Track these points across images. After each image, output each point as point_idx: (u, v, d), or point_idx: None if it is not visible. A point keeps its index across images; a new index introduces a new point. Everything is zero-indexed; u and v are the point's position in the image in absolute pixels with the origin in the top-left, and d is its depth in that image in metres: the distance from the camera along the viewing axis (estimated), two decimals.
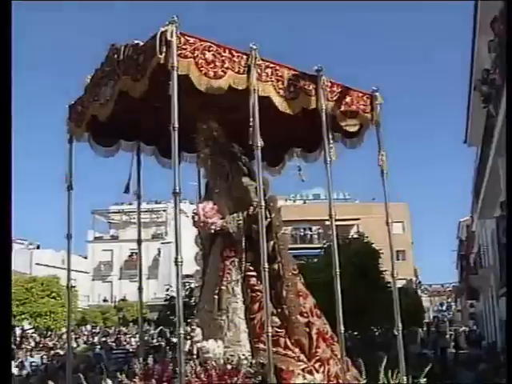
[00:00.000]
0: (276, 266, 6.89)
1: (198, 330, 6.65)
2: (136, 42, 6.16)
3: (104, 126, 7.15)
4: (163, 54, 5.65)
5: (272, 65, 6.49)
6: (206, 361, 6.14)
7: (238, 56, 6.19)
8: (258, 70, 6.26)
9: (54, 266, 50.23)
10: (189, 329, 6.44)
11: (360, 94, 7.34)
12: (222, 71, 6.06)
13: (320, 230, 55.12)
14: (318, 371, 6.48)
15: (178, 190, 5.57)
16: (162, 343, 23.26)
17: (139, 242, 8.41)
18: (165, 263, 54.57)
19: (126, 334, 35.24)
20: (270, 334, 5.78)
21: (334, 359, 6.70)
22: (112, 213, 69.14)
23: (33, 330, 34.88)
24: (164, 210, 63.42)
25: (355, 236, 28.04)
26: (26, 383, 14.43)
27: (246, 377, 5.96)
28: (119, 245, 64.47)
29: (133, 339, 31.45)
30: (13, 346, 23.73)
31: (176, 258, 5.60)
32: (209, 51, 6.01)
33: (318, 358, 6.60)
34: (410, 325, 32.30)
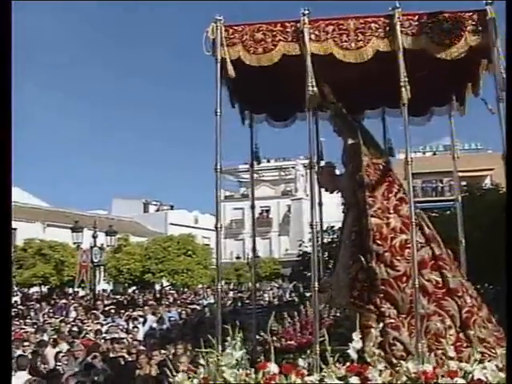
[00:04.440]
0: (364, 220, 6.85)
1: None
2: None
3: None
4: (210, 52, 6.62)
5: (334, 21, 6.59)
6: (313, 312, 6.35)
7: (292, 26, 6.60)
8: (316, 32, 6.52)
9: (187, 226, 51.81)
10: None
11: (463, 14, 6.49)
12: (273, 44, 6.61)
13: (451, 182, 53.53)
14: (411, 327, 6.28)
15: (219, 167, 6.39)
16: (296, 298, 23.53)
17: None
18: (296, 219, 54.79)
19: (259, 289, 35.93)
20: (316, 289, 6.04)
21: (439, 315, 6.44)
22: (241, 171, 70.19)
23: (170, 287, 36.24)
24: (293, 167, 63.56)
25: (489, 187, 26.98)
26: (167, 337, 15.03)
27: (330, 327, 6.31)
28: (250, 203, 65.18)
29: (265, 295, 32.02)
30: (153, 302, 24.83)
31: (216, 225, 6.40)
32: (258, 31, 6.67)
33: (414, 314, 6.36)
34: None
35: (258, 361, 6.05)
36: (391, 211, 6.97)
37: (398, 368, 5.60)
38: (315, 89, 6.26)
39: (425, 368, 5.47)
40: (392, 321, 6.40)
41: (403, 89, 6.18)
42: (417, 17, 6.48)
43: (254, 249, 9.03)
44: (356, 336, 5.67)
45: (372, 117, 8.57)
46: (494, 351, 6.08)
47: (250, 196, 9.27)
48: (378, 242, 6.77)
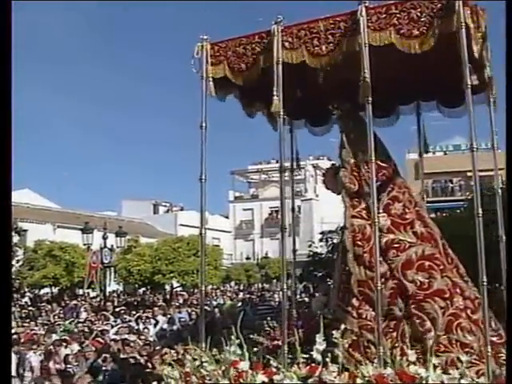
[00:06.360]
0: (345, 221, 6.93)
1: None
2: None
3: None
4: (199, 72, 6.80)
5: (305, 25, 6.45)
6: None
7: (267, 36, 6.54)
8: (290, 39, 6.43)
9: (197, 227, 51.82)
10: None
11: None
12: (253, 58, 6.64)
13: (461, 182, 53.35)
14: (392, 331, 6.24)
15: (204, 177, 6.80)
16: (306, 299, 23.51)
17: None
18: (306, 220, 54.72)
19: (268, 290, 35.87)
20: (285, 290, 6.21)
21: (418, 318, 6.28)
22: (251, 172, 70.20)
23: (181, 288, 36.23)
24: (302, 168, 63.41)
25: (500, 186, 26.88)
26: (178, 337, 15.03)
27: (318, 325, 6.19)
28: (259, 203, 65.51)
29: (276, 295, 31.99)
30: (162, 303, 24.83)
31: (200, 231, 7.07)
32: (240, 45, 6.73)
33: (392, 316, 6.33)
34: None
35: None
36: (380, 210, 6.76)
37: (357, 371, 5.53)
38: (276, 98, 6.27)
39: (381, 372, 5.40)
40: (368, 323, 6.33)
41: (361, 84, 5.98)
42: (385, 9, 6.12)
43: (294, 250, 9.13)
44: (319, 338, 5.68)
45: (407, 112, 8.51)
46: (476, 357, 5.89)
47: (290, 195, 9.10)
48: (359, 242, 6.71)
